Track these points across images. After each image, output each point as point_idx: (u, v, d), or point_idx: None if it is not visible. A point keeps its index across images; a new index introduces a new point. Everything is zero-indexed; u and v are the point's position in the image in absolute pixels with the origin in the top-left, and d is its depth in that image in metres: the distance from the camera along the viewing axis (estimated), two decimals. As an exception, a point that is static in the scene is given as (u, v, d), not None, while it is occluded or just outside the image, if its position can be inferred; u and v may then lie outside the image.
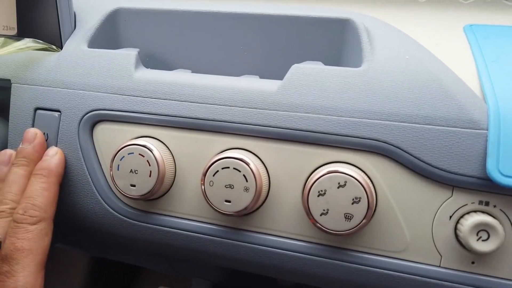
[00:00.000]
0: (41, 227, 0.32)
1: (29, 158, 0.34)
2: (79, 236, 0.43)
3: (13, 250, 0.31)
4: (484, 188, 0.28)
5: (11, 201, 0.33)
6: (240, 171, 0.30)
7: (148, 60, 0.41)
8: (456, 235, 0.28)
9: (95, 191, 0.35)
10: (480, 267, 0.28)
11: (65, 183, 0.35)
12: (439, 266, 0.29)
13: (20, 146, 0.35)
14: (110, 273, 0.82)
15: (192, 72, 0.37)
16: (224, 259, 0.34)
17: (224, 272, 0.54)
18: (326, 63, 0.34)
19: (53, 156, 0.35)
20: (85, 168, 0.35)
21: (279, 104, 0.31)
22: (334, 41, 0.36)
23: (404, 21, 0.38)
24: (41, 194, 0.33)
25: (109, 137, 0.35)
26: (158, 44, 0.41)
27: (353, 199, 0.28)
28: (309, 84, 0.31)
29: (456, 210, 0.28)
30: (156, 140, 0.33)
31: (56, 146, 0.36)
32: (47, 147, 0.36)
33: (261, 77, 0.35)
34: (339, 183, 0.28)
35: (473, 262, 0.28)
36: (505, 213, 0.28)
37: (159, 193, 0.33)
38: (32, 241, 0.31)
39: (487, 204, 0.28)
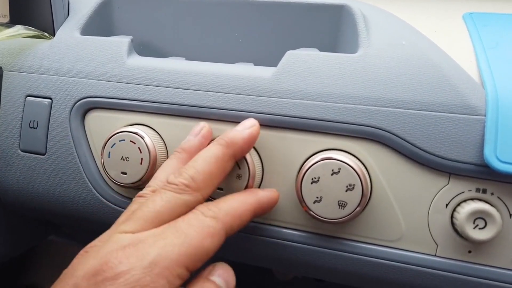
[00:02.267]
0: (185, 199, 0.26)
1: (230, 139, 0.28)
2: (69, 224, 0.43)
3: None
4: (482, 175, 0.27)
5: (190, 178, 0.26)
6: (232, 158, 0.29)
7: (142, 48, 0.40)
8: (453, 224, 0.28)
9: (86, 179, 0.34)
10: (477, 256, 0.28)
11: (56, 171, 0.35)
12: (435, 255, 0.28)
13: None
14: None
15: (186, 59, 0.37)
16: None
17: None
18: (322, 50, 0.33)
19: (247, 128, 0.29)
20: (76, 156, 0.34)
21: (273, 90, 0.30)
22: (330, 28, 0.36)
23: (402, 8, 0.37)
24: (208, 162, 0.27)
25: (100, 124, 0.34)
26: (151, 32, 0.40)
27: (347, 187, 0.27)
28: (303, 71, 0.30)
29: (453, 198, 0.28)
30: (148, 128, 0.33)
31: (47, 134, 0.35)
32: (40, 137, 0.35)
33: (256, 65, 0.34)
34: (332, 170, 0.28)
35: (469, 251, 0.28)
36: (502, 201, 0.27)
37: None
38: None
39: (484, 191, 0.27)
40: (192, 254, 0.23)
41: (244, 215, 0.27)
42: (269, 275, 0.58)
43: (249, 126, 0.29)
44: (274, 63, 0.32)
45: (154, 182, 0.28)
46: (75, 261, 0.24)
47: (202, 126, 0.30)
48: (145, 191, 0.28)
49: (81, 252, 0.25)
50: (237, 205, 0.27)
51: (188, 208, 0.26)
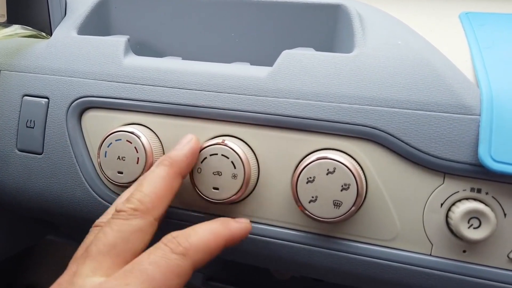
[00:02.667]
0: (136, 224, 0.25)
1: (172, 158, 0.28)
2: (66, 224, 0.43)
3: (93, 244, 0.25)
4: (476, 174, 0.27)
5: (138, 202, 0.26)
6: (228, 158, 0.29)
7: (139, 48, 0.40)
8: (448, 223, 0.28)
9: (83, 178, 0.34)
10: (472, 255, 0.28)
11: (52, 170, 0.35)
12: (430, 255, 0.28)
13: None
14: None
15: (183, 59, 0.37)
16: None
17: (218, 265, 0.54)
18: (318, 49, 0.34)
19: (186, 144, 0.29)
20: (73, 156, 0.34)
21: (268, 90, 0.31)
22: (326, 27, 0.36)
23: (399, 8, 0.38)
24: (153, 183, 0.27)
25: (97, 124, 0.34)
26: (148, 32, 0.40)
27: (342, 186, 0.27)
28: (299, 70, 0.31)
29: (448, 198, 0.28)
30: (144, 127, 0.33)
31: (44, 133, 0.35)
32: (37, 136, 0.35)
33: (252, 64, 0.35)
34: (328, 170, 0.28)
35: (464, 251, 0.28)
36: (497, 200, 0.27)
37: (147, 180, 0.32)
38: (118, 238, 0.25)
39: (479, 191, 0.27)
40: None
41: (214, 250, 0.26)
42: (267, 274, 0.58)
43: (187, 141, 0.29)
44: (270, 63, 0.32)
45: (109, 211, 0.29)
46: None
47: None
48: (101, 218, 0.28)
49: None
50: (209, 238, 0.26)
51: (142, 233, 0.25)
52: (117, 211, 0.26)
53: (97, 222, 0.28)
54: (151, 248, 0.25)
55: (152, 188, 0.27)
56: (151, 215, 0.26)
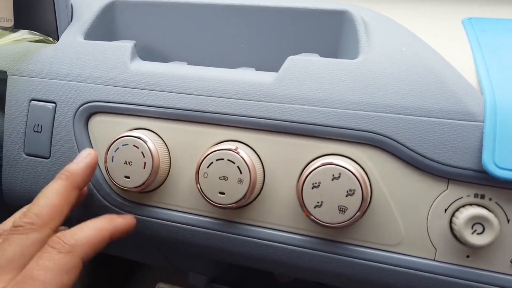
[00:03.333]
0: (34, 237, 0.27)
1: (69, 172, 0.30)
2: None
3: None
4: (480, 181, 0.27)
5: (34, 216, 0.28)
6: (234, 163, 0.30)
7: (145, 53, 0.41)
8: (451, 228, 0.28)
9: (90, 183, 0.35)
10: (475, 260, 0.28)
11: (60, 175, 0.35)
12: (434, 260, 0.29)
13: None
14: (108, 269, 0.82)
15: (189, 64, 0.37)
16: (218, 252, 0.33)
17: (221, 267, 0.54)
18: (323, 55, 0.34)
19: (83, 158, 0.32)
20: (80, 160, 0.35)
21: (274, 96, 0.31)
22: (331, 33, 0.36)
23: (402, 14, 0.38)
24: (50, 197, 0.29)
25: (104, 129, 0.35)
26: (154, 37, 0.41)
27: (347, 192, 0.28)
28: (304, 76, 0.31)
29: (452, 203, 0.28)
30: (151, 132, 0.33)
31: (51, 138, 0.36)
32: (45, 141, 0.36)
33: (257, 70, 0.35)
34: (333, 175, 0.28)
35: (468, 256, 0.28)
36: (500, 206, 0.27)
37: (153, 185, 0.33)
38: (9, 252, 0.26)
39: (482, 197, 0.28)
40: None
41: (100, 242, 0.29)
42: (270, 277, 0.59)
43: (85, 156, 0.32)
44: (275, 68, 0.33)
45: (9, 220, 0.30)
46: None
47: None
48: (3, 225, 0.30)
49: None
50: (94, 233, 0.28)
51: (40, 244, 0.27)
52: (15, 226, 0.27)
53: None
54: (39, 253, 0.26)
55: (49, 201, 0.29)
56: (47, 227, 0.28)
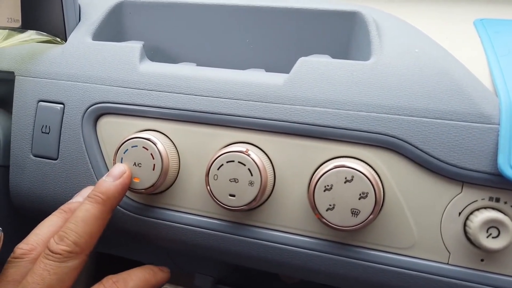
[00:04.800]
0: (71, 265, 0.27)
1: (106, 195, 0.29)
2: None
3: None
4: (495, 184, 0.27)
5: (73, 244, 0.27)
6: (245, 165, 0.29)
7: (153, 53, 0.40)
8: (465, 232, 0.28)
9: (98, 184, 0.34)
10: (490, 264, 0.28)
11: (67, 176, 0.35)
12: (448, 264, 0.28)
13: (103, 178, 0.31)
14: (111, 269, 0.81)
15: (198, 65, 0.37)
16: (228, 254, 0.33)
17: (227, 268, 0.54)
18: (334, 57, 0.34)
19: (118, 178, 0.30)
20: (88, 162, 0.35)
21: (285, 97, 0.31)
22: (342, 34, 0.36)
23: (414, 15, 0.38)
24: (88, 223, 0.28)
25: (112, 130, 0.34)
26: (163, 37, 0.41)
27: (360, 194, 0.27)
28: (316, 78, 0.31)
29: (466, 207, 0.28)
30: (160, 134, 0.33)
31: (59, 139, 0.35)
32: (52, 142, 0.35)
33: (267, 71, 0.35)
34: (346, 178, 0.28)
35: (482, 260, 0.28)
36: (516, 210, 0.27)
37: (162, 187, 0.32)
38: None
39: (497, 200, 0.27)
40: None
41: None
42: (275, 278, 0.58)
43: (119, 175, 0.31)
44: (285, 69, 0.32)
45: (33, 240, 0.29)
46: None
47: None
48: (22, 248, 0.28)
49: None
50: (142, 285, 0.30)
51: (76, 271, 0.28)
52: (52, 251, 0.27)
53: (19, 253, 0.28)
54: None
55: (87, 229, 0.28)
56: (84, 254, 0.28)
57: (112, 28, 0.40)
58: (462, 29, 0.36)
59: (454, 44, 0.33)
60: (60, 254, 0.27)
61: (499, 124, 0.27)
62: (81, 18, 0.40)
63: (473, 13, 0.39)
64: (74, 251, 0.27)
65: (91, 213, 0.29)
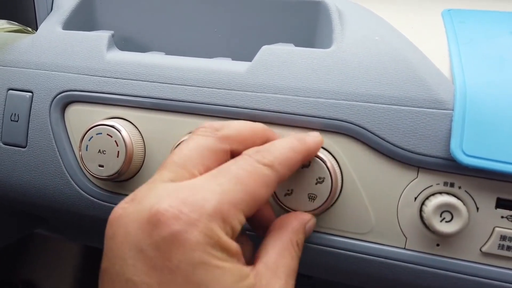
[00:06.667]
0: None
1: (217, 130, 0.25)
2: (52, 217, 0.43)
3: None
4: (449, 169, 0.27)
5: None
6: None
7: (124, 43, 0.41)
8: (421, 217, 0.28)
9: (65, 172, 0.35)
10: (445, 249, 0.28)
11: (36, 164, 0.35)
12: (404, 248, 0.29)
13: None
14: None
15: (166, 54, 0.37)
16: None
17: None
18: (299, 45, 0.34)
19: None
20: (56, 149, 0.35)
21: (247, 85, 0.31)
22: (307, 23, 0.36)
23: (381, 5, 0.38)
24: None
25: (80, 118, 0.35)
26: (133, 27, 0.41)
27: (317, 179, 0.28)
28: (278, 65, 0.31)
29: (421, 192, 0.28)
30: (125, 121, 0.33)
31: (27, 127, 0.36)
32: (21, 130, 0.35)
33: (234, 59, 0.35)
34: (303, 163, 0.28)
35: (438, 244, 0.28)
36: (470, 195, 0.27)
37: (128, 174, 0.33)
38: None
39: (452, 185, 0.27)
40: (249, 201, 0.22)
41: (294, 166, 0.25)
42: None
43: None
44: (252, 58, 0.33)
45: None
46: (114, 224, 0.21)
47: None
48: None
49: (117, 212, 0.22)
50: (290, 154, 0.25)
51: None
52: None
53: None
54: (235, 158, 0.24)
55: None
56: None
57: (83, 18, 0.40)
58: (429, 19, 0.36)
59: (419, 33, 0.33)
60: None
61: (453, 110, 0.27)
62: (53, 7, 0.40)
63: (444, 5, 0.39)
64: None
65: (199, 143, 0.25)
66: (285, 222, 0.26)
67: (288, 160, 0.24)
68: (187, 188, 0.21)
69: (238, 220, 0.21)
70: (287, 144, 0.25)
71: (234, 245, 0.21)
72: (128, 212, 0.21)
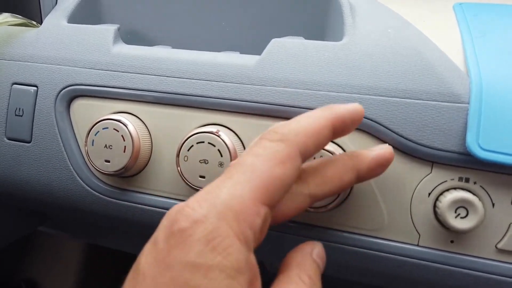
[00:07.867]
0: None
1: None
2: (55, 213, 0.43)
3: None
4: (464, 163, 0.27)
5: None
6: (215, 146, 0.29)
7: (130, 37, 0.40)
8: (435, 213, 0.27)
9: (71, 167, 0.34)
10: (459, 246, 0.27)
11: (41, 159, 0.35)
12: (417, 245, 0.28)
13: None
14: (104, 262, 0.81)
15: (173, 48, 0.36)
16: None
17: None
18: (309, 38, 0.33)
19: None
20: (61, 144, 0.34)
21: (256, 78, 0.30)
22: (318, 16, 0.35)
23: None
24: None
25: (85, 112, 0.34)
26: (139, 21, 0.40)
27: (329, 174, 0.27)
28: (287, 58, 0.30)
29: (435, 187, 0.27)
30: (132, 116, 0.33)
31: (32, 122, 0.35)
32: (26, 124, 0.35)
33: (242, 53, 0.34)
34: (314, 158, 0.27)
35: (452, 241, 0.27)
36: (485, 190, 0.27)
37: (134, 169, 0.32)
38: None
39: (467, 180, 0.27)
40: (264, 187, 0.20)
41: (321, 132, 0.23)
42: (260, 267, 0.58)
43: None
44: (260, 51, 0.32)
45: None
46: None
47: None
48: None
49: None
50: (309, 121, 0.23)
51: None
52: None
53: None
54: (250, 146, 0.23)
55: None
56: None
57: (88, 11, 0.39)
58: (441, 12, 0.35)
59: (431, 26, 0.33)
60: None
61: (468, 103, 0.26)
62: (58, 1, 0.39)
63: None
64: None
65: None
66: (290, 257, 0.24)
67: (306, 128, 0.23)
68: (209, 186, 0.21)
69: (258, 214, 0.20)
70: (308, 113, 0.24)
71: (241, 258, 0.19)
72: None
